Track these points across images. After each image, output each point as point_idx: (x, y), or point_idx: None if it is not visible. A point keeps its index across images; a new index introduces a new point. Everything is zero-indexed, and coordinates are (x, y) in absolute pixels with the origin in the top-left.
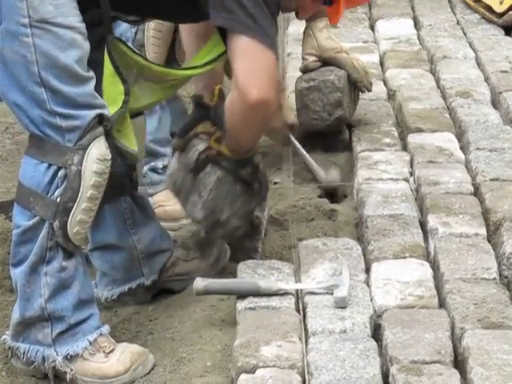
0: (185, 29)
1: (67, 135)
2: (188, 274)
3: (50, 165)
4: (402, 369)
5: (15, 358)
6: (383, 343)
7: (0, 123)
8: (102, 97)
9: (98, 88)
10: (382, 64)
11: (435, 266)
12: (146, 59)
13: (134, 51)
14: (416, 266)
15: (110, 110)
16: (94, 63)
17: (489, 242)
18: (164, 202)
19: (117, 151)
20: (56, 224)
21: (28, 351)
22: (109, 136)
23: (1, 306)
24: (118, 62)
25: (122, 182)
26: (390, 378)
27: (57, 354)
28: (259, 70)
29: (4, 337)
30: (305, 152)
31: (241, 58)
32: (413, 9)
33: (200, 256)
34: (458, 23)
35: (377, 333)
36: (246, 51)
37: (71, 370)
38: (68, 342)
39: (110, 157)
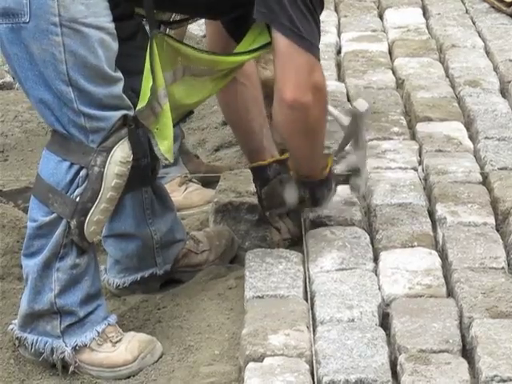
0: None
1: (91, 136)
2: (197, 266)
3: (72, 164)
4: (410, 358)
5: (23, 348)
6: (391, 332)
7: (9, 111)
8: (138, 90)
9: (128, 80)
10: (390, 53)
11: (443, 255)
12: (194, 47)
13: (179, 41)
14: (424, 255)
15: (139, 105)
16: (126, 56)
17: (497, 231)
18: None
19: (142, 143)
20: (73, 223)
21: (36, 342)
22: (134, 133)
23: (9, 293)
24: (164, 56)
25: (146, 173)
26: (398, 367)
27: (65, 346)
28: (294, 72)
29: (11, 326)
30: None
31: (278, 58)
32: None
33: (209, 248)
34: (466, 12)
35: (385, 322)
36: (282, 52)
37: (75, 363)
38: (77, 333)
39: (131, 158)
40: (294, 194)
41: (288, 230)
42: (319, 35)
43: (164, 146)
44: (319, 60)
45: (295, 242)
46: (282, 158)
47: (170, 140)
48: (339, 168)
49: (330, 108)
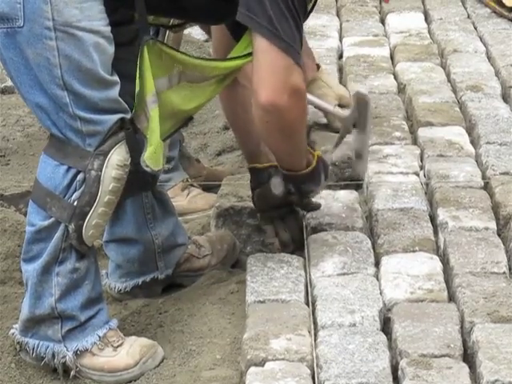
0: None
1: (88, 139)
2: (199, 271)
3: (69, 167)
4: (411, 362)
5: (24, 353)
6: (392, 337)
7: (10, 116)
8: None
9: (127, 84)
10: (392, 57)
11: (445, 260)
12: (187, 54)
13: (173, 49)
14: (426, 259)
15: (134, 110)
16: (125, 61)
17: (498, 235)
18: (171, 198)
19: (141, 148)
20: (71, 227)
21: (37, 347)
22: (131, 136)
23: (10, 298)
24: (156, 62)
25: (146, 178)
26: (399, 372)
27: (67, 350)
28: (270, 73)
29: (12, 331)
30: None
31: (256, 59)
32: (423, 2)
33: (211, 253)
34: (468, 17)
35: (386, 326)
36: (260, 52)
37: (76, 367)
38: (78, 337)
39: (129, 161)
40: (279, 187)
41: (276, 235)
42: (301, 40)
43: (147, 153)
44: (299, 64)
45: (285, 246)
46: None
47: (155, 147)
48: (340, 152)
49: (325, 104)
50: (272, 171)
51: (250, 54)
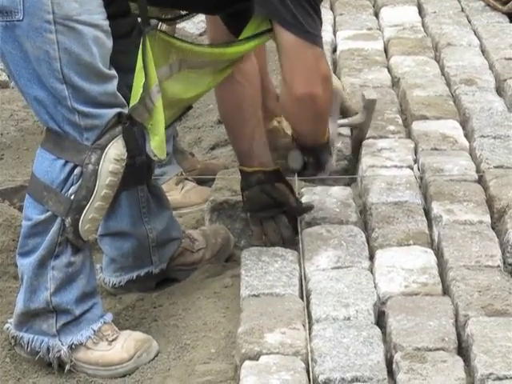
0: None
1: (85, 133)
2: (193, 265)
3: (66, 162)
4: (405, 356)
5: (19, 347)
6: (387, 330)
7: (4, 110)
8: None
9: (124, 77)
10: (386, 51)
11: (439, 254)
12: (189, 42)
13: (175, 37)
14: (420, 253)
15: (131, 102)
16: (122, 54)
17: (493, 229)
18: (165, 192)
19: (137, 141)
20: (68, 221)
21: (32, 341)
22: (129, 129)
23: (5, 292)
24: (158, 52)
25: (141, 171)
26: (394, 365)
27: (61, 344)
28: (302, 67)
29: (7, 325)
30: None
31: (285, 54)
32: None
33: (205, 247)
34: (462, 10)
35: (381, 320)
36: (288, 47)
37: (71, 361)
38: (72, 331)
39: (126, 156)
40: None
41: (265, 235)
42: (321, 22)
43: (154, 142)
44: (323, 47)
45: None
46: (268, 170)
47: (161, 136)
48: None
49: (341, 121)
50: (261, 177)
51: (257, 36)
